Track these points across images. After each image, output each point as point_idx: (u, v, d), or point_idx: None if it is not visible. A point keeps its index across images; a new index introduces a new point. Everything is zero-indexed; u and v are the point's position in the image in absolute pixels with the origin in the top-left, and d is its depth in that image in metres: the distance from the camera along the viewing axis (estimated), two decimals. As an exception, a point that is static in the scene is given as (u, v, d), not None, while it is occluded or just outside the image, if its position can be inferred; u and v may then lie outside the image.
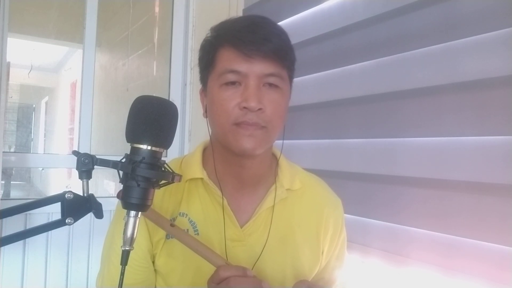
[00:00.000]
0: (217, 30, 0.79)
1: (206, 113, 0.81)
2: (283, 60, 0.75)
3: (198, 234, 0.80)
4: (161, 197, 0.81)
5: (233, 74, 0.73)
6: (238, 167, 0.81)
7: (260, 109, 0.73)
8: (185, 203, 0.82)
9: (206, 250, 0.72)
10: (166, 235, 0.80)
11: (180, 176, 0.60)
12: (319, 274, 0.89)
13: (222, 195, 0.80)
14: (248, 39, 0.72)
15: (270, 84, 0.75)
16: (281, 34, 0.77)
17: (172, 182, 0.59)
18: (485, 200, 0.97)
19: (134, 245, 0.70)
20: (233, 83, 0.74)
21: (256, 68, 0.73)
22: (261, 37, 0.72)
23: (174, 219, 0.81)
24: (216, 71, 0.76)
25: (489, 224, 0.96)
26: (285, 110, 0.79)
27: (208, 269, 0.71)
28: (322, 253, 0.88)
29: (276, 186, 0.84)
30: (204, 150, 0.88)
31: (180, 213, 0.81)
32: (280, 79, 0.75)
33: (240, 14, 1.81)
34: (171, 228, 0.72)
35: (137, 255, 0.79)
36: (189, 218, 0.81)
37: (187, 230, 0.80)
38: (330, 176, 0.96)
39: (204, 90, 0.82)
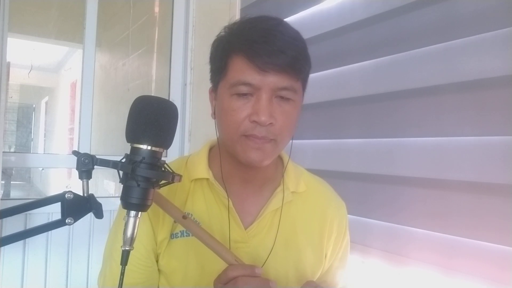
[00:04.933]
0: (231, 35, 0.76)
1: (214, 114, 0.80)
2: (298, 73, 0.73)
3: None
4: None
5: (245, 86, 0.71)
6: (244, 168, 0.80)
7: (270, 123, 0.71)
8: (190, 203, 0.82)
9: (217, 244, 0.71)
10: (170, 235, 0.79)
11: (180, 176, 0.60)
12: (321, 277, 0.89)
13: (228, 196, 0.80)
14: (262, 51, 0.69)
15: (282, 97, 0.73)
16: (298, 44, 0.73)
17: (172, 182, 0.59)
18: (485, 200, 0.97)
19: (139, 244, 0.68)
20: (244, 94, 0.72)
21: (269, 81, 0.70)
22: (276, 49, 0.69)
23: None
24: (227, 79, 0.74)
25: (489, 224, 0.96)
26: (295, 122, 0.77)
27: (213, 269, 0.71)
28: (326, 256, 0.88)
29: (283, 189, 0.83)
30: (210, 150, 0.87)
31: (185, 212, 0.81)
32: (293, 92, 0.73)
33: (238, 14, 1.80)
34: (183, 220, 0.71)
35: (141, 254, 0.79)
36: (193, 218, 0.80)
37: None
38: (330, 176, 0.96)
39: (214, 91, 0.80)
